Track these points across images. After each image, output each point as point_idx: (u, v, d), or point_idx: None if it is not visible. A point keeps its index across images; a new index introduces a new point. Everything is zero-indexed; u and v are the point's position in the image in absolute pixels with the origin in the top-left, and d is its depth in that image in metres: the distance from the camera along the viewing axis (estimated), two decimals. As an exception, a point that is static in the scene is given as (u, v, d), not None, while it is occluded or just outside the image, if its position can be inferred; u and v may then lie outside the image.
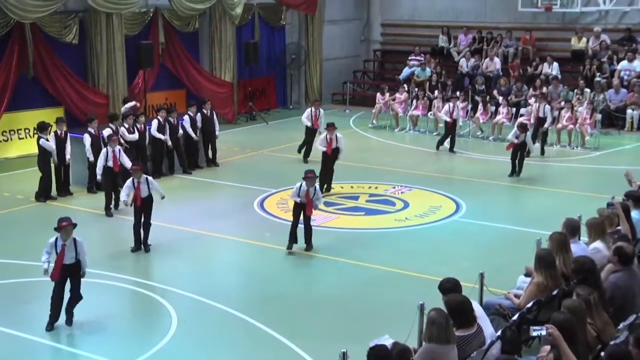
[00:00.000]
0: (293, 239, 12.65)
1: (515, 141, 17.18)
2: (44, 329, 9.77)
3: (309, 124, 18.66)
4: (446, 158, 19.75)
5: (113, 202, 14.90)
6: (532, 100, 21.86)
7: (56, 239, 9.77)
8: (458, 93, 22.91)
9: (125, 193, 12.56)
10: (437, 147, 20.23)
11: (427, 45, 27.72)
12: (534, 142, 18.80)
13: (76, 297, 9.91)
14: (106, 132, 16.04)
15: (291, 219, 12.70)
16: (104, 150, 14.90)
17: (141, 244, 12.68)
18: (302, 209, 12.55)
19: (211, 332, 9.92)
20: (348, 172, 16.82)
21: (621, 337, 6.75)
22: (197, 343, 9.61)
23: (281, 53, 26.97)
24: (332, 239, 13.35)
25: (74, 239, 9.80)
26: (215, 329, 10.01)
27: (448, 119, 19.97)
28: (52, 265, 9.85)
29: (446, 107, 20.35)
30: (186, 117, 18.02)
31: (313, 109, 18.97)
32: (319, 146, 16.18)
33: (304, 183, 12.45)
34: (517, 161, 17.30)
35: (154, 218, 12.87)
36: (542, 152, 19.48)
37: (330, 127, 16.07)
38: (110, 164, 14.71)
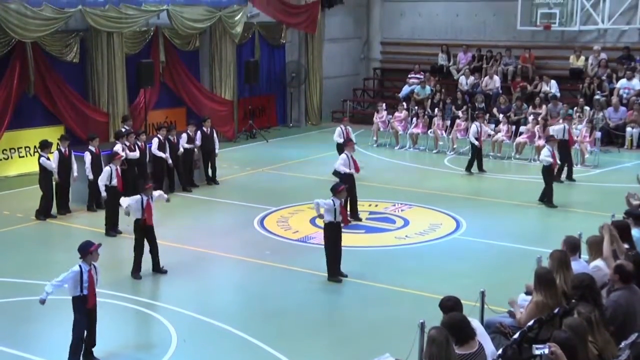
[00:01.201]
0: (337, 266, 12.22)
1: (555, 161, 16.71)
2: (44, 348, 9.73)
3: (341, 141, 18.16)
4: (446, 176, 19.74)
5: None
6: (531, 118, 21.98)
7: (80, 266, 9.15)
8: (460, 111, 22.98)
9: (127, 205, 12.25)
10: (468, 170, 19.72)
11: (426, 63, 27.85)
12: (571, 166, 18.76)
13: (92, 340, 9.40)
14: (117, 147, 16.11)
15: (293, 237, 12.56)
16: (107, 168, 14.73)
17: (150, 267, 12.45)
18: (338, 228, 12.19)
19: (211, 351, 9.88)
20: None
21: (623, 356, 6.72)
22: (197, 362, 9.59)
23: (281, 71, 27.08)
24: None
25: (94, 265, 9.29)
26: (215, 348, 9.97)
27: (476, 142, 19.62)
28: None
29: (473, 127, 19.98)
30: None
31: (342, 126, 18.83)
32: (342, 168, 15.05)
33: (335, 198, 12.06)
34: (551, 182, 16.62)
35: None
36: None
37: (350, 143, 15.81)
38: (114, 182, 14.57)
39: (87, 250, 9.20)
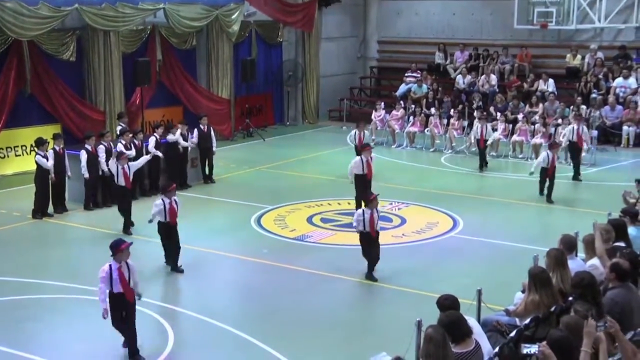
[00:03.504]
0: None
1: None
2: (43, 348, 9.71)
3: (356, 143, 18.44)
4: (443, 175, 19.76)
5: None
6: (520, 116, 21.99)
7: (110, 265, 9.26)
8: (452, 110, 22.95)
9: (156, 211, 12.21)
10: (481, 170, 19.85)
11: (423, 62, 27.85)
12: (578, 167, 18.82)
13: (132, 334, 9.45)
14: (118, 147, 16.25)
15: (290, 235, 12.48)
16: (113, 165, 14.90)
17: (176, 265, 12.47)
18: (369, 236, 12.06)
19: (208, 350, 9.87)
20: (345, 188, 16.78)
21: (619, 354, 6.73)
22: (194, 360, 9.59)
23: (278, 70, 27.08)
24: (329, 256, 13.34)
25: (127, 263, 9.35)
26: (212, 347, 9.96)
27: (476, 143, 19.73)
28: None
29: (475, 128, 20.13)
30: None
31: (357, 131, 18.81)
32: (354, 171, 15.27)
33: (366, 208, 12.00)
34: (548, 183, 16.78)
35: (152, 235, 12.82)
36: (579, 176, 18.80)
37: (367, 147, 15.72)
38: (122, 182, 14.62)
39: (118, 248, 9.26)
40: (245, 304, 11.60)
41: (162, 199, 12.29)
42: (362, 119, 25.63)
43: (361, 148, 16.06)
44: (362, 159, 15.32)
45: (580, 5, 25.26)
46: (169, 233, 12.37)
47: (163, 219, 12.26)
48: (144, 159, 15.93)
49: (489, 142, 20.31)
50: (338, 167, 18.99)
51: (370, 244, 12.15)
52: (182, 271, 12.41)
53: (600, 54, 25.02)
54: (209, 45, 23.75)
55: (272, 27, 26.41)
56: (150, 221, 12.52)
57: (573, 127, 19.09)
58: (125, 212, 14.62)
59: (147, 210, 12.90)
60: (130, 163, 15.05)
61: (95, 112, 20.53)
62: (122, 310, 9.35)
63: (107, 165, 15.64)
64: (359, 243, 12.27)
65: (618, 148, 22.57)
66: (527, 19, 25.78)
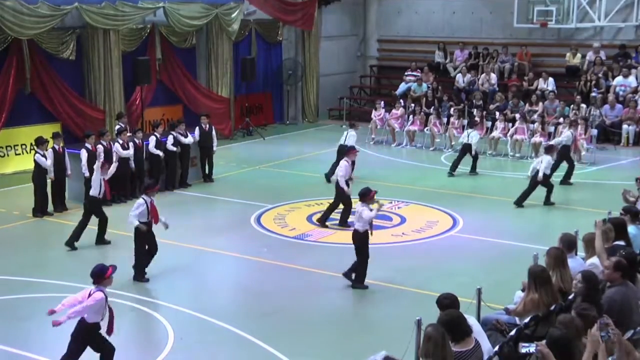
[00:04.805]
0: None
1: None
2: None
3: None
4: (442, 173, 19.74)
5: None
6: (517, 116, 21.93)
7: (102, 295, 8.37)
8: (452, 109, 22.93)
9: (136, 214, 11.78)
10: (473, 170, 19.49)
11: (423, 61, 27.86)
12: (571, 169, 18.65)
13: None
14: (85, 154, 15.73)
15: (290, 234, 12.42)
16: (98, 178, 13.69)
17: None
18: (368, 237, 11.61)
19: (208, 349, 9.88)
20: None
21: (617, 353, 6.73)
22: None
23: (278, 69, 27.08)
24: (328, 255, 13.35)
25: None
26: (212, 346, 9.97)
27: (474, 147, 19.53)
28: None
29: (476, 135, 19.82)
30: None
31: (355, 131, 18.41)
32: (341, 176, 14.52)
33: (365, 205, 11.44)
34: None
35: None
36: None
37: (354, 150, 15.48)
38: (103, 192, 13.90)
39: (103, 276, 8.39)
40: (244, 302, 11.59)
41: (143, 198, 12.00)
42: (360, 119, 25.73)
43: (347, 151, 15.44)
44: (348, 162, 14.80)
45: (580, 4, 25.26)
46: (148, 235, 12.01)
47: (146, 218, 11.94)
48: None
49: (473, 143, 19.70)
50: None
51: (366, 244, 11.71)
52: (147, 280, 12.01)
53: (600, 53, 25.03)
54: (209, 44, 23.76)
55: (272, 25, 26.41)
56: (166, 227, 12.24)
57: (572, 132, 19.07)
58: (102, 221, 13.92)
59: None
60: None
61: (95, 111, 20.52)
62: (88, 344, 8.40)
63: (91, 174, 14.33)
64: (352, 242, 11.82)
65: (618, 147, 22.58)
66: (526, 18, 25.80)
